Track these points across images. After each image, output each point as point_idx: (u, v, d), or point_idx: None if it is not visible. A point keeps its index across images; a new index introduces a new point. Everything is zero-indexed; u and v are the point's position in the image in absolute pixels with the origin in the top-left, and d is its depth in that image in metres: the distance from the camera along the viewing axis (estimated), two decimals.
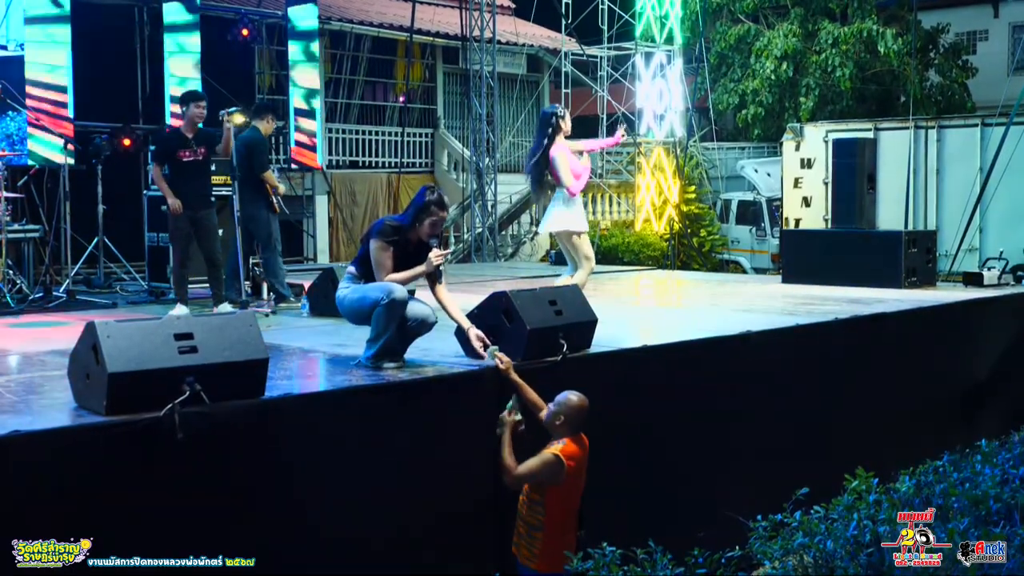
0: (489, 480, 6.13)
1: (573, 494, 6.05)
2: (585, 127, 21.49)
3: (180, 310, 9.55)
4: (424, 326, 6.84)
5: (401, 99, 21.84)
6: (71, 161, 12.04)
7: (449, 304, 6.90)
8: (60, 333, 8.44)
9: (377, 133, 21.52)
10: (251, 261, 11.75)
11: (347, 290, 6.82)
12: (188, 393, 5.20)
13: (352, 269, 6.88)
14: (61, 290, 11.12)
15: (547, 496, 5.92)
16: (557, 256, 17.69)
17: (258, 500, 5.54)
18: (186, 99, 10.14)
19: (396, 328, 6.66)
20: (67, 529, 4.74)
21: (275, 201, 10.75)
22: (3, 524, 4.65)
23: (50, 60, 12.58)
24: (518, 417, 6.09)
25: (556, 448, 5.90)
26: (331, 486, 5.82)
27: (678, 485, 7.60)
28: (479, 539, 6.32)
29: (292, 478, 5.66)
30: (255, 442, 5.59)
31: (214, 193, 10.54)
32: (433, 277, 6.83)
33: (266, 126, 10.97)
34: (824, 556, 4.55)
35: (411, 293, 6.85)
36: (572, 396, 6.04)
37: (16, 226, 10.91)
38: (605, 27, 22.32)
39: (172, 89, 14.40)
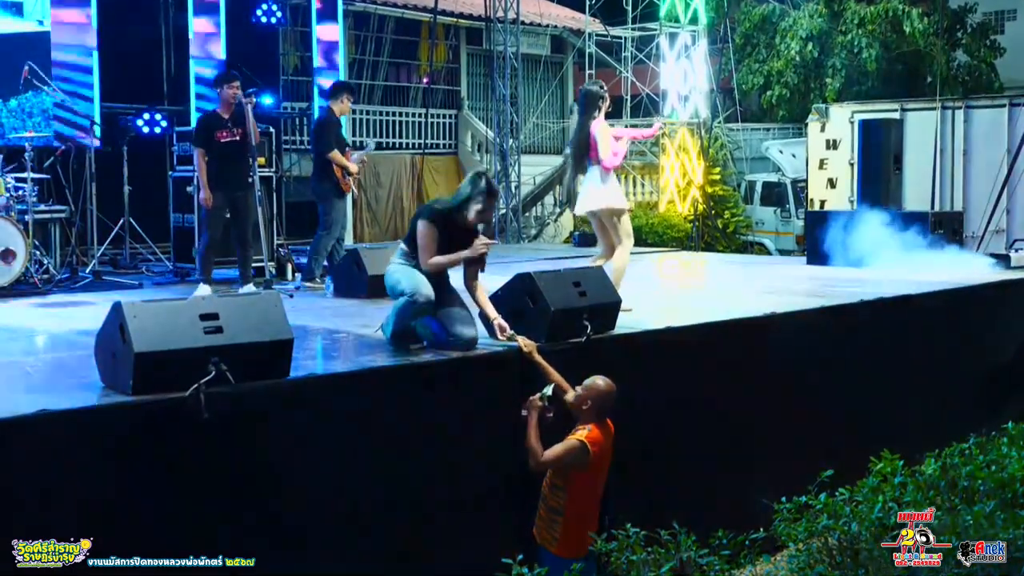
0: (514, 461, 6.14)
1: (597, 480, 6.04)
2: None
3: (204, 290, 9.60)
4: (462, 347, 6.69)
5: (425, 80, 21.83)
6: (97, 142, 12.09)
7: (478, 292, 6.90)
8: (86, 313, 8.48)
9: (401, 114, 21.51)
10: (275, 243, 11.82)
11: (394, 267, 6.82)
12: (213, 373, 5.23)
13: (404, 247, 6.86)
14: (87, 270, 11.20)
15: (570, 481, 5.92)
16: (580, 238, 17.65)
17: (281, 479, 5.56)
18: (219, 80, 10.21)
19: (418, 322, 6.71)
20: (76, 520, 4.77)
21: (346, 182, 10.76)
22: (11, 518, 4.69)
23: (76, 41, 12.61)
24: (546, 403, 6.03)
25: (581, 434, 5.89)
26: (355, 465, 5.85)
27: (702, 466, 7.60)
28: (503, 520, 6.33)
29: (316, 457, 5.69)
30: (279, 422, 5.62)
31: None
32: (474, 264, 6.79)
33: (340, 106, 11.03)
34: (849, 538, 4.55)
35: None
36: (599, 381, 6.02)
37: (43, 207, 10.95)
38: (629, 7, 22.24)
39: (197, 70, 14.44)
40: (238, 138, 9.92)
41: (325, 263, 10.93)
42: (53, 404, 5.05)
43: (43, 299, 9.72)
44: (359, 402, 6.01)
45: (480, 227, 6.74)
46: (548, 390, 6.06)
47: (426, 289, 6.58)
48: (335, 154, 10.71)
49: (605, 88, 9.42)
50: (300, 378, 5.81)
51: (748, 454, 7.89)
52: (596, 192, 9.16)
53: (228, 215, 9.99)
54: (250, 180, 10.00)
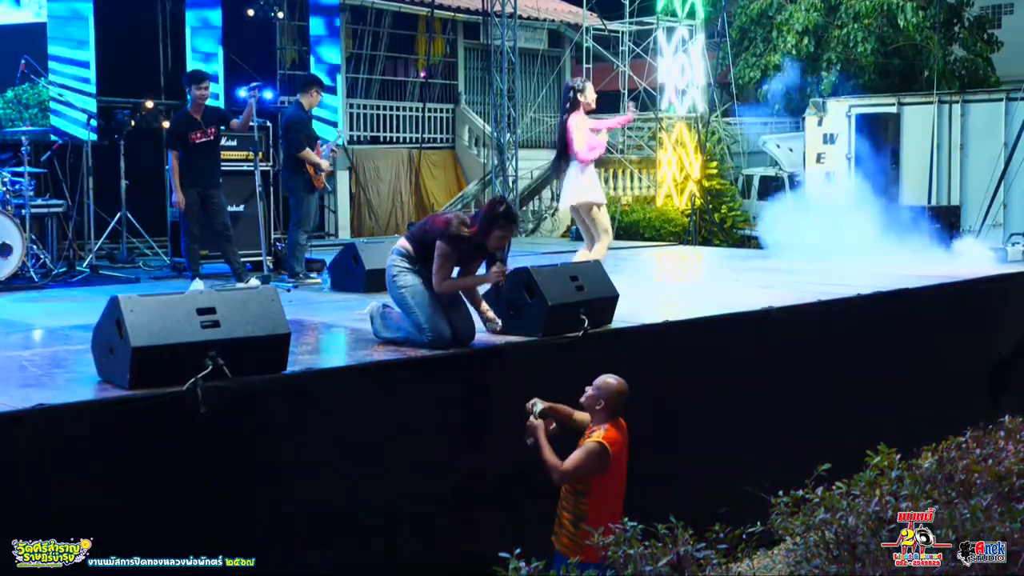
0: (512, 456, 6.13)
1: (618, 481, 5.89)
2: (607, 102, 21.40)
3: (198, 284, 9.64)
4: (460, 341, 6.73)
5: (422, 75, 21.81)
6: (94, 136, 12.09)
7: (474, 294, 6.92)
8: (83, 307, 8.48)
9: (398, 109, 21.47)
10: (272, 237, 11.83)
11: (400, 273, 6.75)
12: (211, 367, 5.24)
13: (407, 246, 6.79)
14: (84, 265, 11.21)
15: (591, 486, 5.76)
16: (577, 232, 17.63)
17: (278, 474, 5.56)
18: (188, 81, 10.25)
19: None
20: (75, 517, 4.76)
21: (317, 178, 10.77)
22: (10, 516, 4.68)
23: (73, 35, 12.60)
24: (541, 409, 5.89)
25: (599, 436, 5.74)
26: (353, 460, 5.84)
27: (700, 460, 7.61)
28: (502, 516, 6.33)
29: (313, 452, 5.69)
30: (276, 416, 5.62)
31: (238, 168, 10.79)
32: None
33: (309, 99, 11.01)
34: (846, 532, 4.54)
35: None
36: (611, 380, 5.87)
37: (40, 201, 10.96)
38: (627, 2, 22.23)
39: (194, 64, 14.43)
40: (212, 137, 10.04)
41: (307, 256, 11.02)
42: (50, 399, 5.05)
43: (40, 293, 9.73)
44: (357, 397, 6.01)
45: (498, 253, 6.65)
46: (537, 407, 5.89)
47: (447, 330, 6.58)
48: (307, 152, 10.71)
49: (582, 83, 9.49)
50: (297, 373, 5.81)
51: (745, 448, 7.90)
52: (575, 186, 9.32)
53: (202, 210, 10.11)
54: (220, 179, 10.23)
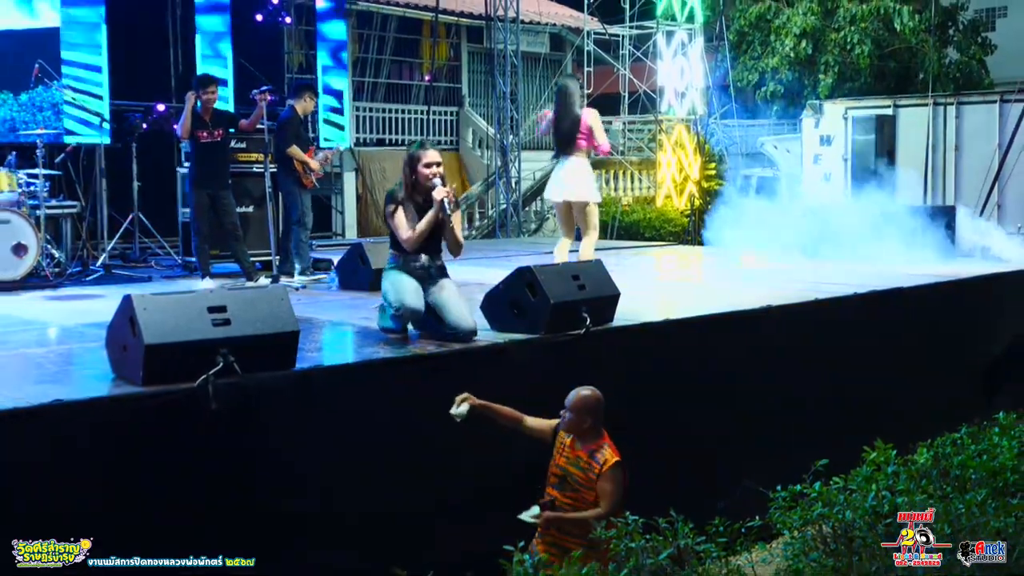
0: (514, 455, 6.16)
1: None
2: (607, 105, 21.49)
3: (207, 283, 9.76)
4: (461, 338, 6.87)
5: (427, 78, 21.90)
6: (107, 139, 12.22)
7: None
8: (97, 306, 8.55)
9: (403, 111, 21.58)
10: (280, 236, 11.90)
11: (385, 273, 7.10)
12: (221, 364, 5.30)
13: (391, 249, 7.11)
14: (98, 264, 11.32)
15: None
16: (579, 232, 17.67)
17: (287, 469, 5.62)
18: (196, 86, 10.34)
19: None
20: (74, 517, 4.78)
21: (307, 177, 10.87)
22: (16, 515, 4.72)
23: (86, 40, 12.69)
24: (469, 409, 5.73)
25: (609, 455, 5.58)
26: (359, 455, 5.91)
27: (700, 456, 7.66)
28: (503, 515, 6.37)
29: (320, 447, 5.76)
30: (285, 412, 5.69)
31: (248, 170, 11.13)
32: (443, 219, 6.91)
33: (303, 105, 11.11)
34: (843, 526, 4.60)
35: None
36: (585, 392, 5.65)
37: (54, 202, 11.07)
38: (627, 6, 22.31)
39: (203, 68, 14.53)
40: (218, 139, 10.15)
41: (314, 255, 11.13)
42: (66, 395, 5.12)
43: (55, 292, 9.83)
44: (364, 393, 6.07)
45: (436, 181, 6.83)
46: (463, 409, 5.68)
47: (410, 300, 6.82)
48: (293, 150, 10.78)
49: (579, 80, 9.62)
50: (306, 369, 5.89)
51: (743, 443, 7.95)
52: (578, 182, 9.37)
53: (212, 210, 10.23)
54: (230, 180, 10.36)
